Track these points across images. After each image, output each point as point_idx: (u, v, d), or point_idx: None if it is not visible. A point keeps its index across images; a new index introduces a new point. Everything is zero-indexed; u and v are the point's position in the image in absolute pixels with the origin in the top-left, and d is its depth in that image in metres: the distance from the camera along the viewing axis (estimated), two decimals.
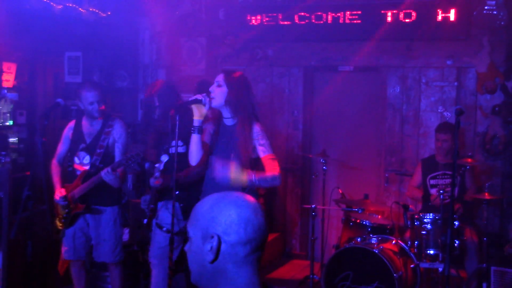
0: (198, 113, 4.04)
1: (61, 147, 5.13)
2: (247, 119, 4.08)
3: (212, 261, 1.74)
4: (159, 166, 4.42)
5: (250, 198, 1.83)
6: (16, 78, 6.34)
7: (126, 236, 6.24)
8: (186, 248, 1.84)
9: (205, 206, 1.80)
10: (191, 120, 4.17)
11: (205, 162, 4.20)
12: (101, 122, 4.99)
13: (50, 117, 4.71)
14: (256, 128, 4.10)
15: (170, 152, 4.57)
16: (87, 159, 4.92)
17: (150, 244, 4.83)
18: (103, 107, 4.95)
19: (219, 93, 4.07)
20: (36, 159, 4.88)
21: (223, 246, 1.73)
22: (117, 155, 4.90)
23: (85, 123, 5.06)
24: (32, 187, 4.73)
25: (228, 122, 4.16)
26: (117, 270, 5.11)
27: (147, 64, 8.01)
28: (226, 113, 4.14)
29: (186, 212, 4.53)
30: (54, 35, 6.42)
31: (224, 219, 1.74)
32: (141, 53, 8.05)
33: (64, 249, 5.06)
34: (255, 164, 4.12)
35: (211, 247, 1.73)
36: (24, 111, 6.52)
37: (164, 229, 4.64)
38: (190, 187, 4.56)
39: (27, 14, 5.98)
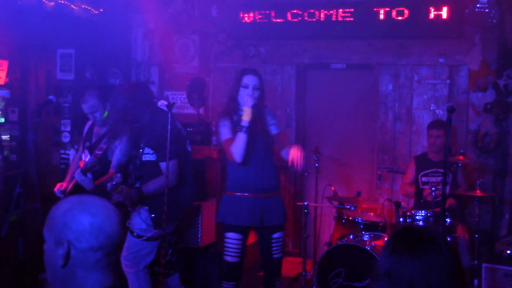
0: (249, 116, 4.36)
1: (81, 144, 5.21)
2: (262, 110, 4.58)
3: (63, 266, 1.72)
4: (110, 185, 4.31)
5: (105, 204, 1.81)
6: (7, 75, 6.30)
7: None
8: (44, 248, 1.82)
9: (59, 210, 1.79)
10: (162, 126, 4.25)
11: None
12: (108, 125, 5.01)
13: (42, 115, 4.69)
14: (266, 111, 4.67)
15: (143, 159, 4.53)
16: (88, 158, 4.91)
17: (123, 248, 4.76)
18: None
19: (259, 97, 4.50)
20: (28, 157, 4.85)
21: (73, 252, 1.72)
22: (114, 160, 4.86)
23: None
24: (24, 185, 4.72)
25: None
26: None
27: (139, 61, 7.98)
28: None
29: (157, 220, 4.48)
30: (46, 32, 6.39)
31: (76, 226, 1.72)
32: (134, 51, 8.02)
33: None
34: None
35: (62, 253, 1.72)
36: (16, 108, 6.49)
37: (135, 234, 4.59)
38: (160, 195, 4.48)
39: (19, 10, 5.95)
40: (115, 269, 1.76)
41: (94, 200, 1.81)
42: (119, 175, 4.26)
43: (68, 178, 5.08)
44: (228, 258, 4.55)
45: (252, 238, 7.04)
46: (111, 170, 4.83)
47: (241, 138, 4.35)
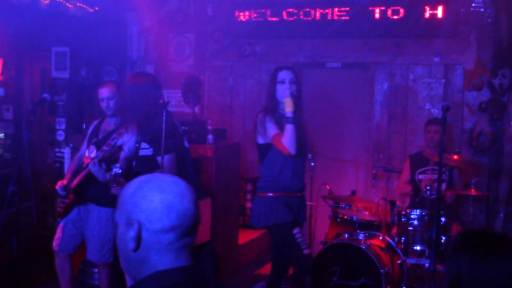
0: (291, 106, 4.45)
1: (83, 143, 5.16)
2: (301, 110, 4.73)
3: (135, 250, 1.64)
4: (110, 176, 4.31)
5: (177, 182, 1.71)
6: (2, 73, 6.28)
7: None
8: (116, 234, 1.74)
9: (129, 190, 1.70)
10: (160, 122, 4.22)
11: None
12: (118, 122, 4.98)
13: (37, 113, 4.68)
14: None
15: (140, 154, 4.52)
16: (94, 153, 4.89)
17: None
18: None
19: (296, 90, 4.61)
20: (22, 155, 4.84)
21: (145, 234, 1.63)
22: (121, 158, 4.85)
23: (106, 120, 5.09)
24: (18, 183, 4.70)
25: (282, 111, 4.58)
26: (104, 271, 5.05)
27: (135, 60, 7.97)
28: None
29: None
30: (41, 30, 6.37)
31: (147, 205, 1.63)
32: (129, 49, 8.01)
33: (56, 236, 5.02)
34: None
35: (133, 235, 1.64)
36: (11, 106, 6.48)
37: None
38: None
39: (13, 8, 5.93)
40: (191, 252, 1.67)
41: (165, 177, 1.72)
42: (118, 165, 4.25)
43: (68, 175, 5.05)
44: (307, 251, 4.59)
45: (247, 236, 7.05)
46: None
47: (290, 129, 4.41)
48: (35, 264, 5.50)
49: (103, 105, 4.97)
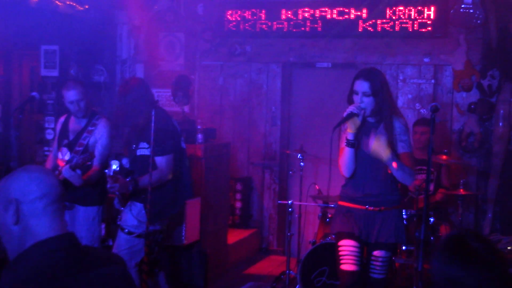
0: (353, 127, 3.95)
1: (55, 142, 5.10)
2: (389, 118, 3.98)
3: (16, 223, 1.91)
4: (108, 172, 4.31)
5: (39, 166, 2.11)
6: None
7: (102, 232, 6.20)
8: None
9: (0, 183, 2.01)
10: (158, 121, 4.22)
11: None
12: (86, 120, 4.93)
13: (25, 111, 4.65)
14: (398, 124, 4.01)
15: (138, 153, 4.50)
16: (67, 156, 4.86)
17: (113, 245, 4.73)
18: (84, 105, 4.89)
19: (369, 104, 3.95)
20: (10, 153, 4.82)
21: (23, 206, 1.92)
22: (96, 155, 4.82)
23: (72, 119, 5.02)
24: None
25: (371, 119, 4.06)
26: None
27: (125, 58, 7.95)
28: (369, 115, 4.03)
29: (153, 215, 4.42)
30: (30, 28, 6.35)
31: (18, 183, 1.94)
32: (119, 48, 7.99)
33: None
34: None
35: (12, 211, 1.91)
36: None
37: (126, 230, 4.54)
38: (156, 191, 4.45)
39: (2, 6, 5.90)
40: (62, 218, 1.98)
41: (26, 165, 2.06)
42: (117, 161, 4.26)
43: None
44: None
45: (236, 236, 7.05)
46: (95, 164, 4.80)
47: (345, 153, 4.04)
48: None
49: (73, 108, 4.86)
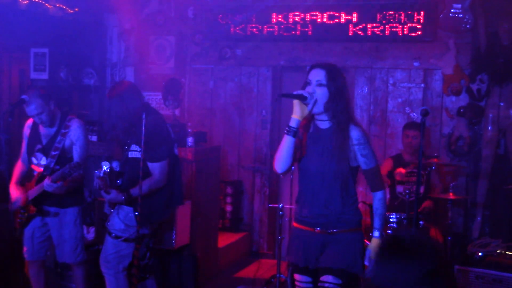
0: (299, 112, 3.45)
1: (23, 147, 5.01)
2: (344, 123, 3.47)
3: None
4: (99, 173, 4.27)
5: None
6: None
7: (91, 235, 6.17)
8: None
9: None
10: (153, 126, 4.19)
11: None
12: (57, 123, 4.85)
13: (15, 114, 4.61)
14: (357, 134, 3.48)
15: (129, 156, 4.48)
16: (43, 160, 4.78)
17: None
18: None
19: (321, 95, 3.48)
20: (0, 156, 4.78)
21: None
22: (75, 157, 4.76)
23: None
24: None
25: (323, 125, 3.56)
26: (79, 271, 5.02)
27: (115, 62, 7.94)
28: (321, 115, 3.54)
29: (142, 219, 4.39)
30: (20, 31, 6.32)
31: None
32: (109, 51, 7.98)
33: (24, 249, 4.96)
34: (355, 173, 3.53)
35: None
36: None
37: (113, 235, 4.51)
38: (148, 195, 4.43)
39: None
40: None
41: None
42: (107, 163, 4.23)
43: (15, 180, 4.87)
44: None
45: (227, 240, 7.04)
46: None
47: (283, 142, 3.49)
48: (12, 267, 5.43)
49: (37, 120, 4.74)
